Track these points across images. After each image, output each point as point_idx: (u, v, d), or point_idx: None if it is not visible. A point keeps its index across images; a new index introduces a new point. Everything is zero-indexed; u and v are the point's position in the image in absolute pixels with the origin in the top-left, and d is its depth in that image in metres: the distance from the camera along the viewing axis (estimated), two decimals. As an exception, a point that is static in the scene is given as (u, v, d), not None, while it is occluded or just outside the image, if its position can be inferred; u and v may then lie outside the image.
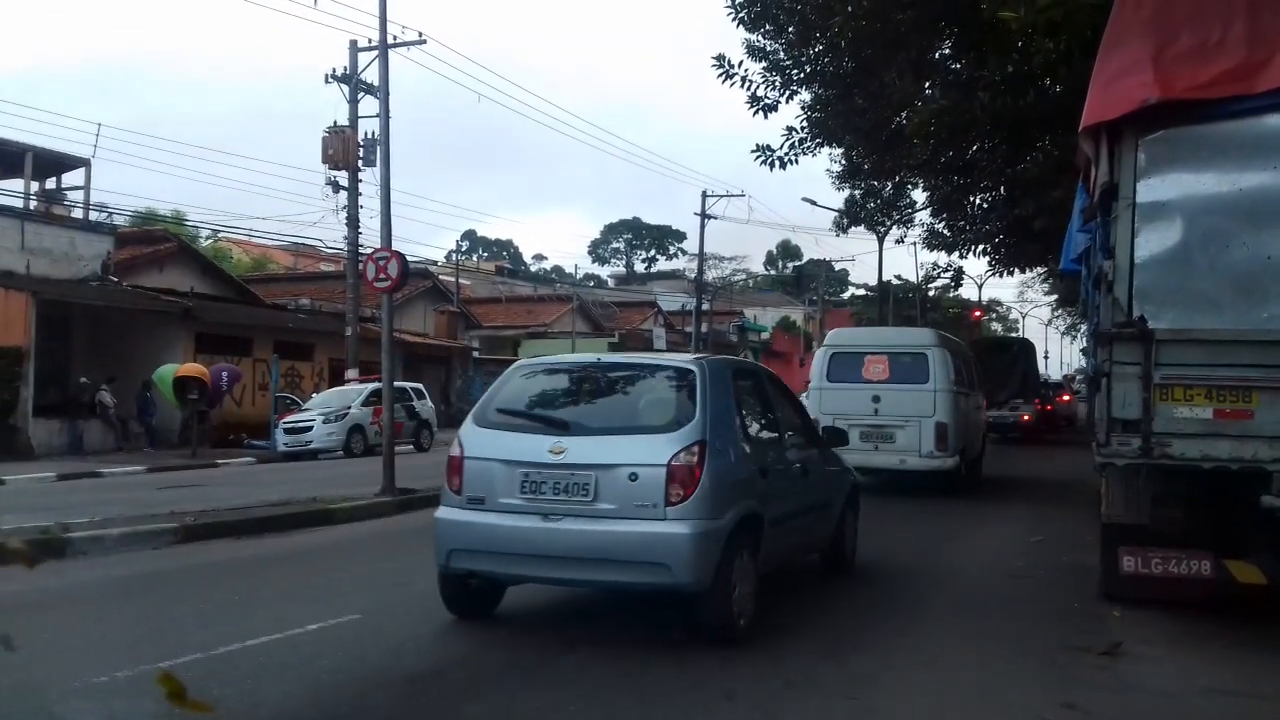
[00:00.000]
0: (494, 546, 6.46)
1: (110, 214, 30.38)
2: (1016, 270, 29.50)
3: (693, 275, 54.06)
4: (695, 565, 6.07)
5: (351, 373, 28.25)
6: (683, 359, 7.26)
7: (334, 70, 28.05)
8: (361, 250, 26.57)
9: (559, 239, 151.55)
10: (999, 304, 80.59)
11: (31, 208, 27.32)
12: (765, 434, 7.59)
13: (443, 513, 6.72)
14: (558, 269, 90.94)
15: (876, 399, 13.79)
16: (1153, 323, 6.41)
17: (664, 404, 6.72)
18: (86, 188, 28.51)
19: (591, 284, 79.06)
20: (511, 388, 7.21)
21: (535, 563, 6.42)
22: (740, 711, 5.03)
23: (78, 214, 28.38)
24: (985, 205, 21.71)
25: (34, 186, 28.10)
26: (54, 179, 29.45)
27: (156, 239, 32.63)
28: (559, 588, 7.27)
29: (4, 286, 23.41)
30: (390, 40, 26.23)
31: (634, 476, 6.20)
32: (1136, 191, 6.51)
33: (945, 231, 24.70)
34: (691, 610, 6.34)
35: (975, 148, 16.82)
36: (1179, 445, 6.36)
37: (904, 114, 15.37)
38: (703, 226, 45.02)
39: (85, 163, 28.09)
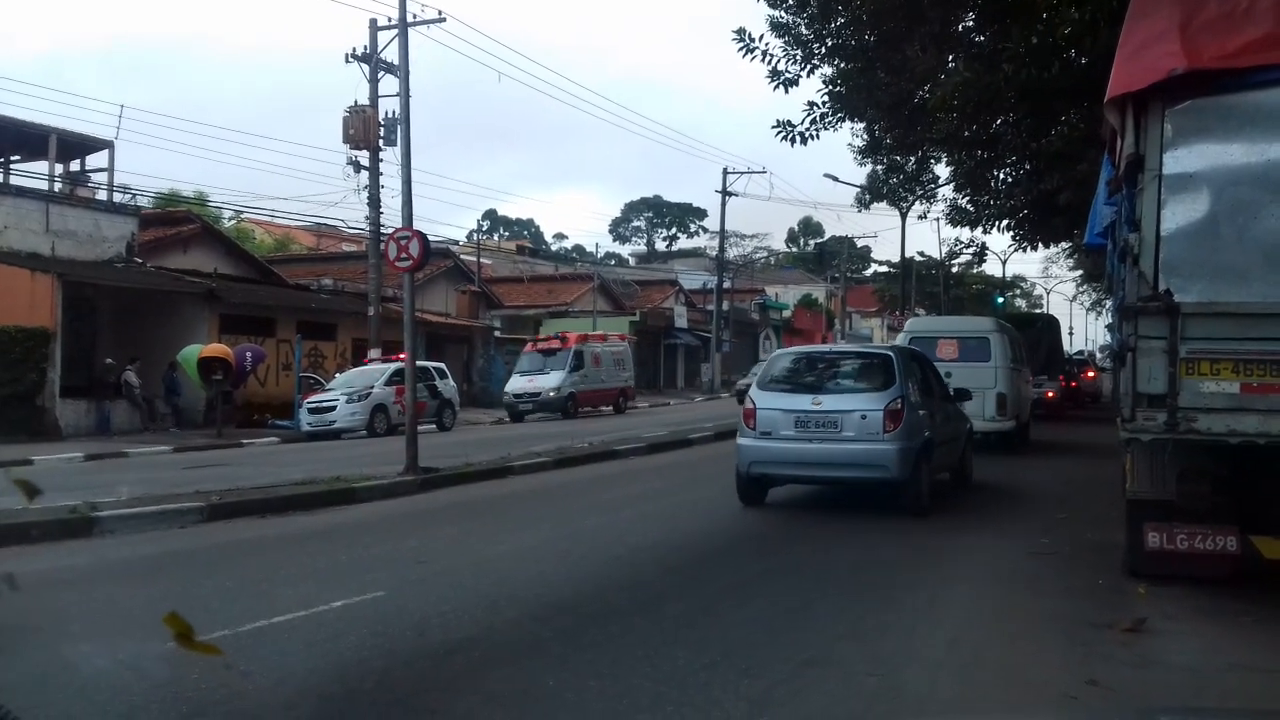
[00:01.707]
0: (778, 459, 10.93)
1: (134, 195, 30.53)
2: (1041, 245, 29.22)
3: (714, 253, 53.91)
4: (901, 467, 10.44)
5: (374, 352, 28.38)
6: (880, 348, 12.43)
7: (354, 50, 28.04)
8: (383, 230, 26.61)
9: (580, 218, 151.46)
10: (1023, 279, 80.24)
11: (56, 190, 27.51)
12: (927, 393, 11.63)
13: (743, 441, 11.18)
14: (579, 248, 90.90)
15: (949, 374, 15.37)
16: (1179, 296, 6.33)
17: (876, 374, 11.07)
18: (110, 169, 28.70)
19: (613, 262, 79.05)
20: (779, 366, 11.88)
21: (804, 467, 10.95)
22: (759, 688, 5.03)
23: (102, 196, 28.56)
24: (1009, 179, 21.47)
25: (58, 169, 28.31)
26: (78, 161, 29.64)
27: (180, 220, 32.80)
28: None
29: (30, 268, 23.61)
30: (410, 19, 26.20)
31: (864, 416, 10.54)
32: (1163, 163, 6.42)
33: (969, 206, 24.45)
34: (897, 495, 10.68)
35: (999, 121, 16.62)
36: (1205, 420, 6.30)
37: (927, 87, 15.21)
38: (724, 204, 44.97)
39: (109, 145, 28.25)
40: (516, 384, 31.99)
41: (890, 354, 11.36)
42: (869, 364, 11.48)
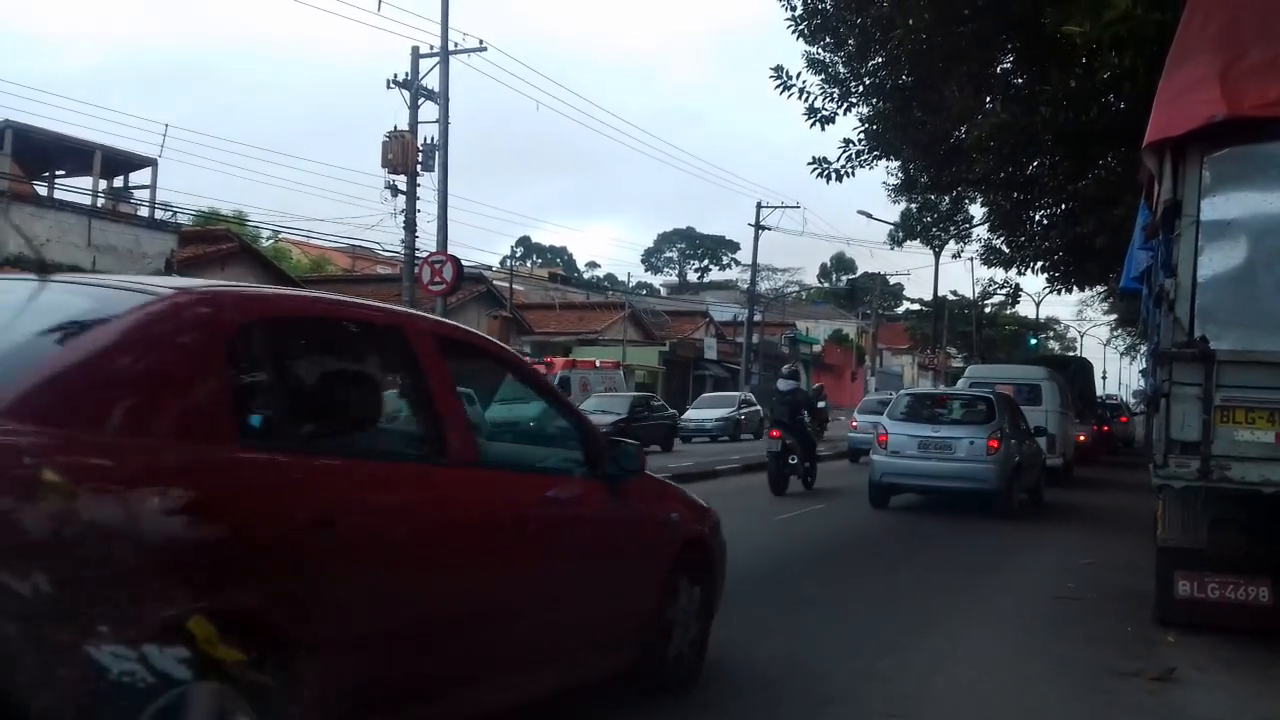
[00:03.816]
0: (904, 472, 14.29)
1: (175, 213, 30.97)
2: (1076, 288, 29.02)
3: (745, 286, 53.94)
4: (999, 481, 13.79)
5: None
6: (983, 393, 15.62)
7: (395, 76, 28.34)
8: (418, 254, 26.85)
9: (612, 247, 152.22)
10: (1057, 322, 79.52)
11: (99, 205, 27.98)
12: (1016, 429, 14.80)
13: (876, 457, 14.63)
14: (611, 276, 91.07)
15: None
16: (1215, 343, 6.28)
17: (980, 411, 14.57)
18: (153, 187, 29.15)
19: (644, 292, 79.22)
20: (904, 402, 15.75)
21: (923, 478, 14.29)
22: (781, 724, 5.00)
23: (144, 212, 29.01)
24: (1045, 222, 21.43)
25: (102, 184, 28.79)
26: (121, 177, 30.14)
27: (219, 238, 33.18)
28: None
29: (71, 281, 23.97)
30: (451, 47, 26.52)
31: (972, 442, 13.82)
32: (1200, 209, 6.39)
33: (1003, 247, 24.37)
34: (993, 501, 13.84)
35: (1036, 163, 16.61)
36: (1239, 468, 6.23)
37: (963, 128, 15.22)
38: (757, 237, 44.96)
39: (152, 162, 28.72)
40: (494, 413, 29.76)
41: (991, 397, 14.97)
42: (975, 404, 15.06)
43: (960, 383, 20.93)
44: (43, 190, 28.14)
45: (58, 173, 29.95)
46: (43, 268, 3.35)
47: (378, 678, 3.38)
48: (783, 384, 17.19)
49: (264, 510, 3.06)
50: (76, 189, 28.73)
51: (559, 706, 4.51)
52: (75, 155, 28.22)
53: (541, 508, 4.37)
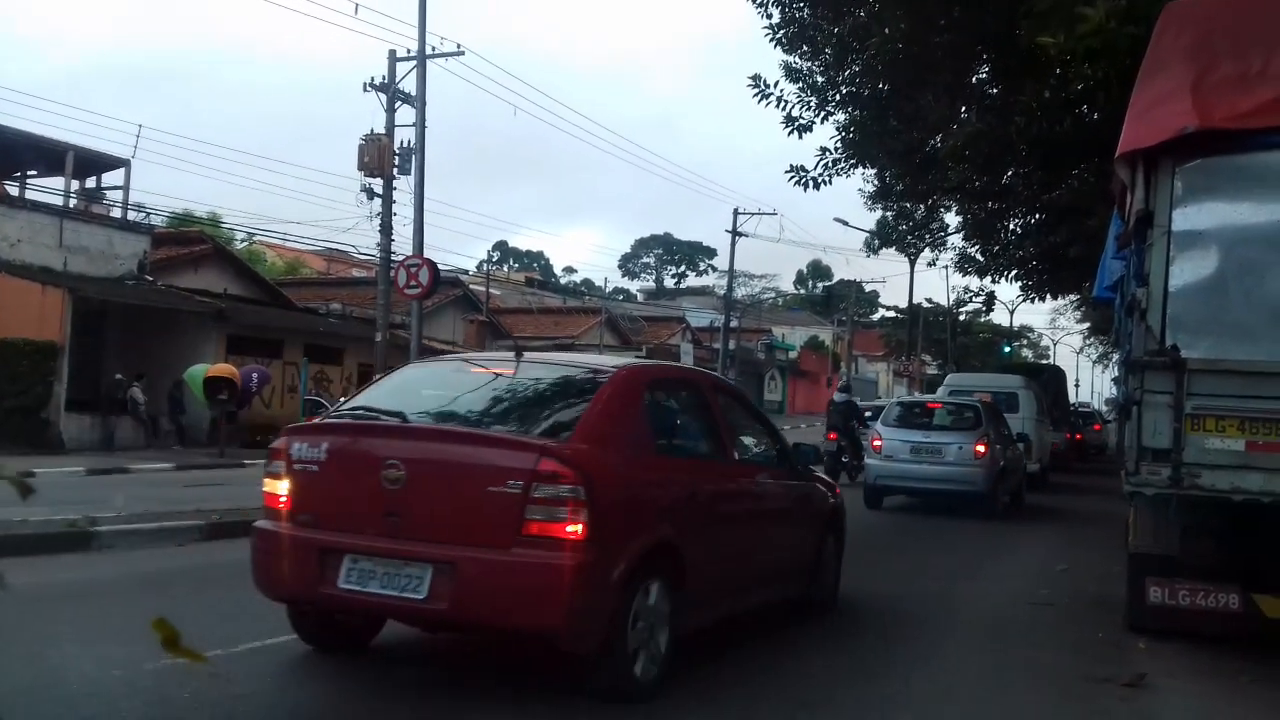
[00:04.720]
0: (897, 475, 15.33)
1: (148, 214, 30.69)
2: (1049, 297, 29.25)
3: (722, 292, 54.00)
4: (986, 482, 14.74)
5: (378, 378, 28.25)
6: (970, 401, 16.76)
7: (372, 79, 28.19)
8: (394, 257, 26.74)
9: (590, 252, 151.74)
10: (1030, 330, 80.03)
11: (71, 206, 27.69)
12: (1000, 435, 15.74)
13: (870, 461, 15.77)
14: (588, 282, 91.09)
15: None
16: (1186, 352, 6.34)
17: (968, 418, 15.60)
18: (126, 188, 28.88)
19: (620, 298, 79.18)
20: (896, 411, 16.69)
21: (915, 481, 15.27)
22: (756, 729, 5.01)
23: (116, 213, 28.74)
24: (1019, 231, 21.59)
25: (74, 185, 28.50)
26: (94, 178, 29.84)
27: (192, 240, 32.93)
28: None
29: (41, 283, 23.71)
30: (428, 51, 26.46)
31: (961, 447, 14.87)
32: (1172, 220, 6.46)
33: (978, 256, 24.56)
34: (979, 502, 14.70)
35: (1010, 173, 16.74)
36: (1209, 476, 6.29)
37: (939, 137, 15.32)
38: (733, 244, 45.01)
39: (125, 163, 28.46)
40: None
41: (978, 405, 16.19)
42: (963, 411, 16.16)
43: (940, 390, 22.29)
44: (14, 190, 27.82)
45: (29, 173, 29.63)
46: (518, 351, 6.14)
47: (712, 580, 5.86)
48: (838, 396, 20.67)
49: (668, 486, 5.68)
50: (48, 189, 28.46)
51: (756, 619, 6.81)
52: (47, 155, 27.92)
53: (766, 486, 6.93)
